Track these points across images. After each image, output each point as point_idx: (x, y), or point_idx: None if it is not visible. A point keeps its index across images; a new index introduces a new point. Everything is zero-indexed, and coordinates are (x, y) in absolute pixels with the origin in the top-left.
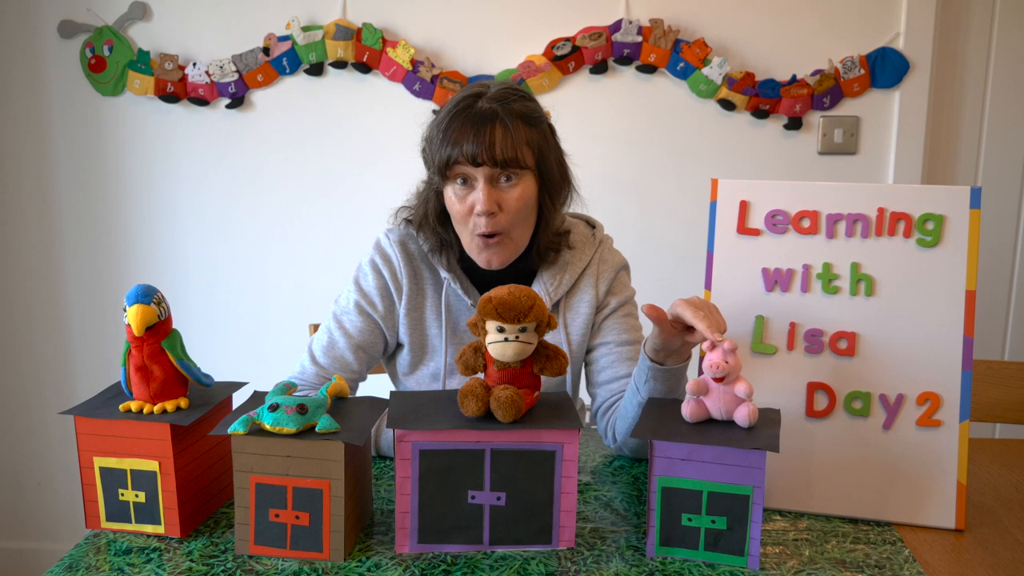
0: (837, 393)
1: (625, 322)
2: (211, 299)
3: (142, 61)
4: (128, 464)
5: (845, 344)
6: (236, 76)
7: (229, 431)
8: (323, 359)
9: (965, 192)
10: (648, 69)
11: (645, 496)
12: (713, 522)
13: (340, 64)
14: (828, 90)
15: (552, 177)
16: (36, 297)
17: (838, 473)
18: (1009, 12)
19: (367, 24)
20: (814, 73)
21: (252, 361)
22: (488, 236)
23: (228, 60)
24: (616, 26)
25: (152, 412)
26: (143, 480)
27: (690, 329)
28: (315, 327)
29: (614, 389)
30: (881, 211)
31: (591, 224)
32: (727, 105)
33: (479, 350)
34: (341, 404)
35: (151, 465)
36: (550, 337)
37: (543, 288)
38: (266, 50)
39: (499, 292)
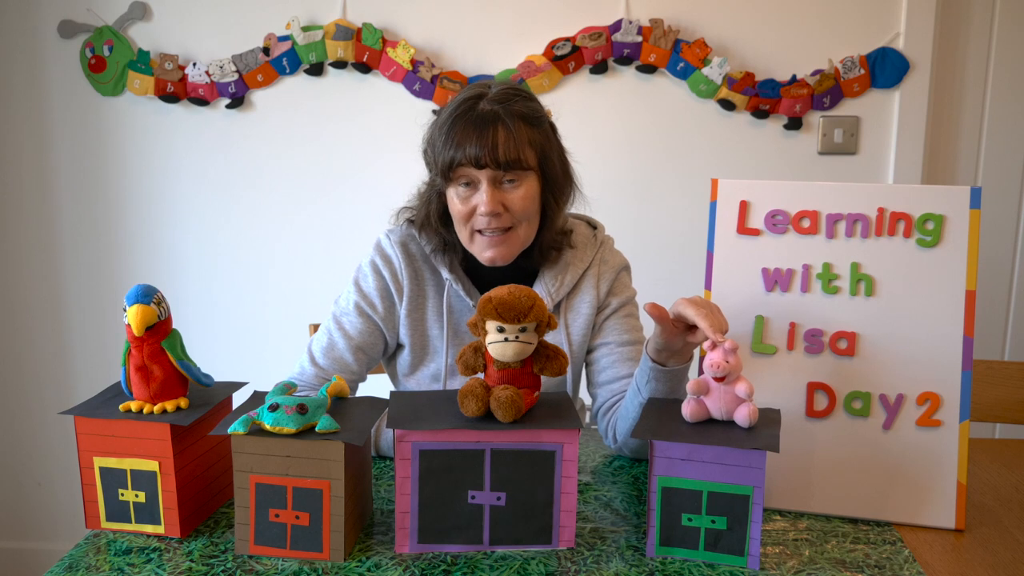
0: (837, 393)
1: (626, 322)
2: (211, 299)
3: (142, 61)
4: (128, 464)
5: (845, 344)
6: (236, 76)
7: (229, 431)
8: (322, 360)
9: (965, 192)
10: (648, 69)
11: (645, 496)
12: (713, 522)
13: (340, 64)
14: (828, 90)
15: (555, 176)
16: (36, 297)
17: (838, 473)
18: (1009, 12)
19: (367, 24)
20: (814, 73)
21: (252, 361)
22: (492, 233)
23: (228, 60)
24: (616, 26)
25: (152, 412)
26: (143, 480)
27: (692, 329)
28: (315, 327)
29: (615, 389)
30: (881, 211)
31: (592, 225)
32: (727, 105)
33: (479, 350)
34: (341, 404)
35: (151, 465)
36: (550, 337)
37: (545, 288)
38: (266, 50)
39: (499, 292)
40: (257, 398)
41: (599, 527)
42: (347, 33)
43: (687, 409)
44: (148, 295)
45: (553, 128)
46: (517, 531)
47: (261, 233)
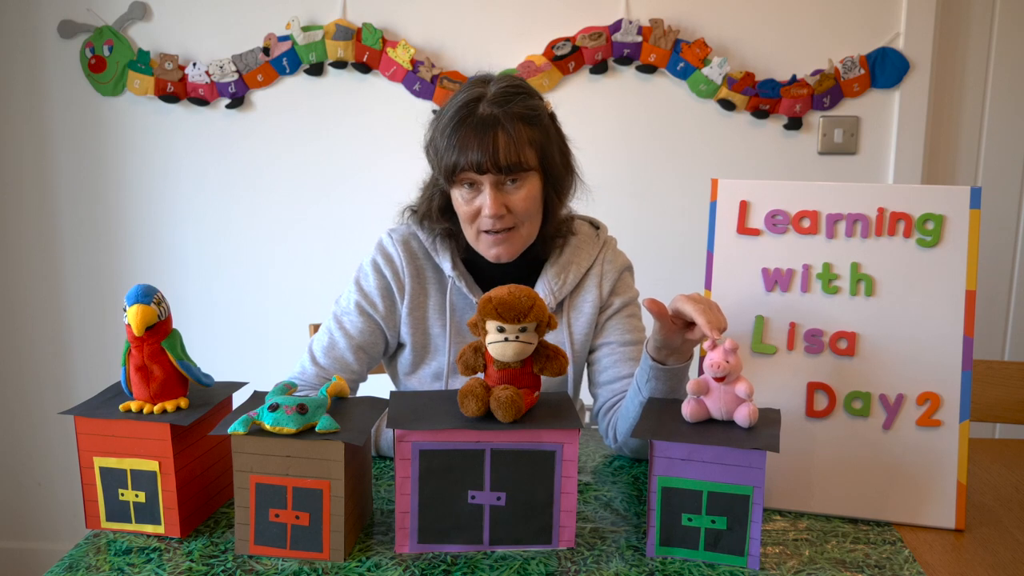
0: (837, 393)
1: (628, 322)
2: (211, 299)
3: (142, 61)
4: (128, 464)
5: (845, 344)
6: (236, 76)
7: (229, 431)
8: (323, 359)
9: (965, 192)
10: (648, 69)
11: (645, 496)
12: (713, 522)
13: (340, 64)
14: (828, 90)
15: (556, 172)
16: (36, 297)
17: (838, 473)
18: (1009, 12)
19: (367, 24)
20: (814, 73)
21: (252, 361)
22: (497, 232)
23: (228, 60)
24: (616, 26)
25: (152, 412)
26: (143, 480)
27: (690, 326)
28: (315, 327)
29: (616, 389)
30: (881, 211)
31: (595, 225)
32: (727, 105)
33: (479, 350)
34: (341, 404)
35: (151, 465)
36: (553, 338)
37: (547, 287)
38: (266, 50)
39: (499, 292)
40: (257, 398)
41: (599, 527)
42: (347, 33)
43: (687, 409)
44: (148, 295)
45: (553, 118)
46: (517, 531)
47: (261, 233)
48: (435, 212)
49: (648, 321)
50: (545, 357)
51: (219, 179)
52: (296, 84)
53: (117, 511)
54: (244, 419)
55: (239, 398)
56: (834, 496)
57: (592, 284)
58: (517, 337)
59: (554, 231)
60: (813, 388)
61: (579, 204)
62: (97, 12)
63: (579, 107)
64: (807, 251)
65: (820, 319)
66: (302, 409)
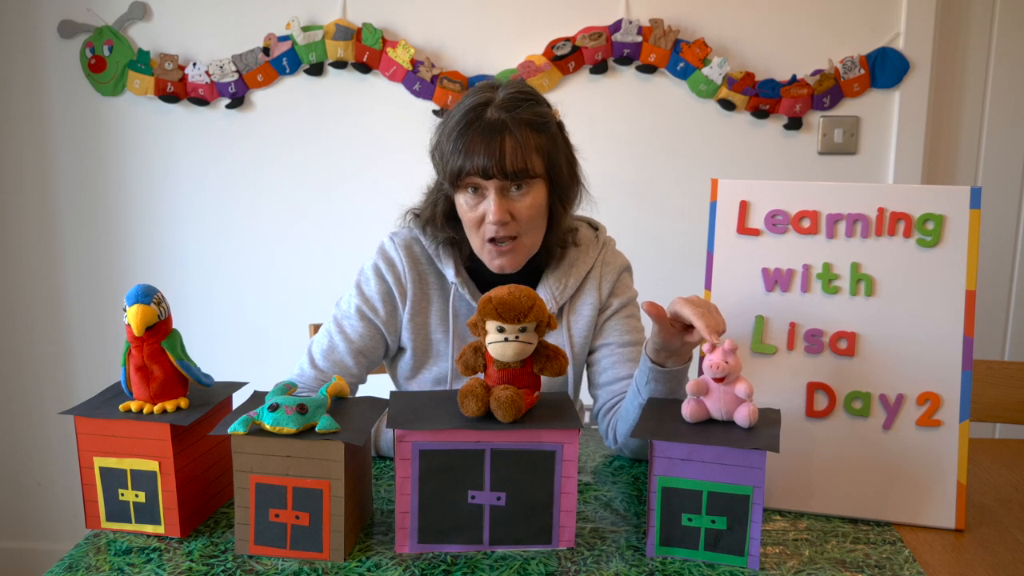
0: (837, 393)
1: (627, 323)
2: (211, 299)
3: (142, 61)
4: (128, 464)
5: (845, 344)
6: (236, 76)
7: (229, 431)
8: (322, 363)
9: (965, 192)
10: (648, 69)
11: (645, 496)
12: (713, 522)
13: (340, 64)
14: (828, 90)
15: (562, 181)
16: (36, 297)
17: (838, 473)
18: (1009, 12)
19: (367, 24)
20: (814, 73)
21: (252, 361)
22: (500, 243)
23: (228, 60)
24: (616, 26)
25: (152, 412)
26: (143, 480)
27: (689, 328)
28: (315, 327)
29: (615, 390)
30: (881, 211)
31: (594, 226)
32: (727, 105)
33: (479, 350)
34: (341, 404)
35: (151, 465)
36: (553, 339)
37: (549, 292)
38: (266, 50)
39: (499, 292)
40: (257, 398)
41: (599, 527)
42: (347, 33)
43: (687, 409)
44: (148, 295)
45: (561, 127)
46: (517, 531)
47: (261, 233)
48: (439, 217)
49: (647, 321)
50: (545, 357)
51: (219, 179)
52: (296, 84)
53: (117, 511)
54: (244, 419)
55: (239, 398)
56: (834, 496)
57: (591, 286)
58: (517, 337)
59: (557, 241)
60: (813, 388)
61: (586, 204)
62: (97, 12)
63: (579, 107)
64: (807, 251)
65: (820, 319)
66: (302, 409)
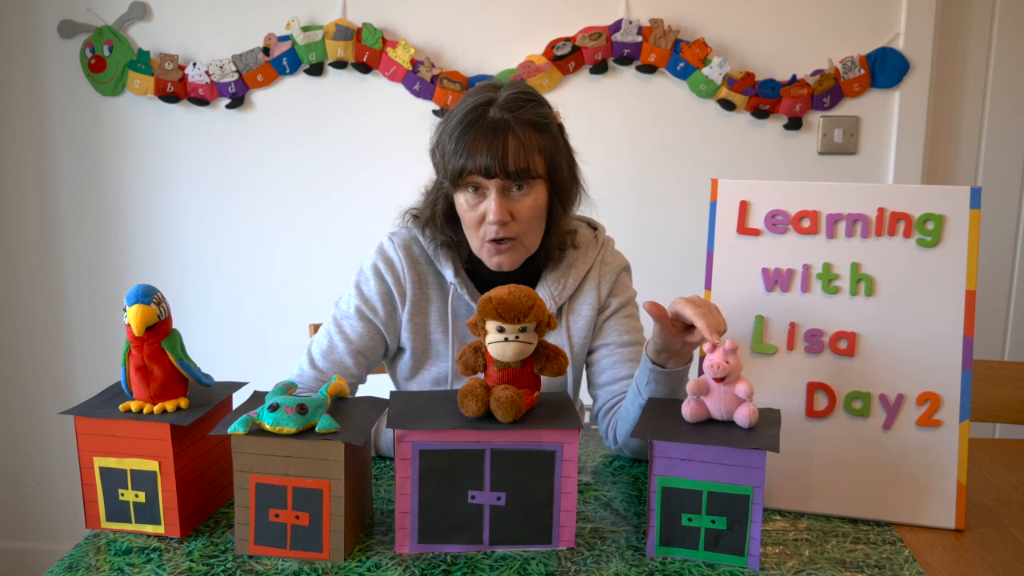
0: (837, 393)
1: (626, 323)
2: (211, 299)
3: (142, 61)
4: (128, 464)
5: (845, 344)
6: (236, 76)
7: (229, 431)
8: (322, 363)
9: (965, 192)
10: (648, 69)
11: (645, 496)
12: (713, 522)
13: (340, 64)
14: (828, 90)
15: (563, 182)
16: (36, 297)
17: (838, 473)
18: (1009, 12)
19: (367, 24)
20: (814, 73)
21: (252, 361)
22: (499, 242)
23: (228, 60)
24: (616, 26)
25: (152, 412)
26: (143, 480)
27: (690, 328)
28: (315, 327)
29: (615, 390)
30: (881, 211)
31: (593, 226)
32: (727, 105)
33: (479, 350)
34: (341, 404)
35: (151, 465)
36: (552, 340)
37: (547, 292)
38: (266, 50)
39: (499, 292)
40: (257, 398)
41: (599, 527)
42: (347, 33)
43: (687, 409)
44: (148, 295)
45: (561, 129)
46: (517, 531)
47: (261, 233)
48: (439, 217)
49: (646, 321)
50: (545, 357)
51: (219, 179)
52: (296, 84)
53: (117, 511)
54: (244, 419)
55: (239, 398)
56: (834, 496)
57: (590, 286)
58: (517, 337)
59: (557, 243)
60: (813, 388)
61: (585, 206)
62: (97, 12)
63: (579, 107)
64: (807, 251)
65: (820, 319)
66: (302, 409)
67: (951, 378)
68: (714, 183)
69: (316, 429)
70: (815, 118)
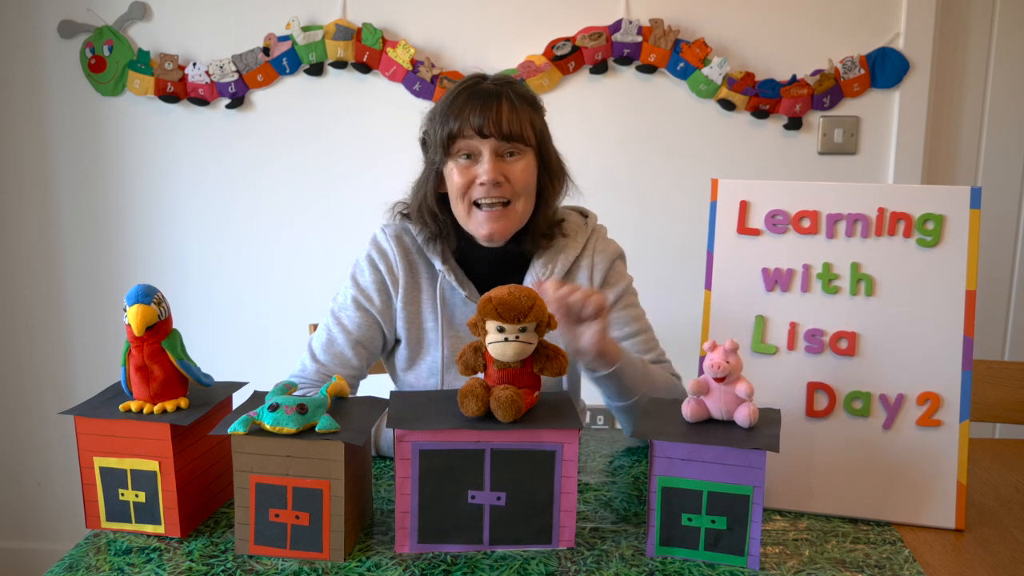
0: (837, 393)
1: (626, 314)
2: (211, 299)
3: (142, 61)
4: (128, 464)
5: (845, 344)
6: (236, 76)
7: (229, 431)
8: (323, 356)
9: (965, 192)
10: (648, 69)
11: (645, 496)
12: (713, 522)
13: (340, 64)
14: (828, 90)
15: (552, 161)
16: (36, 297)
17: (838, 473)
18: (1009, 12)
19: (367, 24)
20: (814, 73)
21: (252, 361)
22: (491, 206)
23: (228, 60)
24: (616, 26)
25: (152, 412)
26: (143, 480)
27: (578, 320)
28: (315, 327)
29: None
30: (881, 211)
31: (584, 214)
32: (727, 105)
33: (479, 350)
34: (341, 404)
35: (151, 465)
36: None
37: (535, 277)
38: (266, 50)
39: (499, 292)
40: (257, 398)
41: (599, 527)
42: (347, 33)
43: (687, 409)
44: (148, 295)
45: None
46: (517, 531)
47: (261, 233)
48: (430, 198)
49: (647, 306)
50: (545, 357)
51: (219, 179)
52: (296, 84)
53: (117, 511)
54: (244, 419)
55: (239, 398)
56: (834, 496)
57: (583, 275)
58: (517, 337)
59: (544, 227)
60: (813, 388)
61: (573, 197)
62: (97, 12)
63: (579, 107)
64: (807, 251)
65: (820, 319)
66: (302, 409)
67: (951, 378)
68: (714, 183)
69: (316, 429)
70: (815, 118)
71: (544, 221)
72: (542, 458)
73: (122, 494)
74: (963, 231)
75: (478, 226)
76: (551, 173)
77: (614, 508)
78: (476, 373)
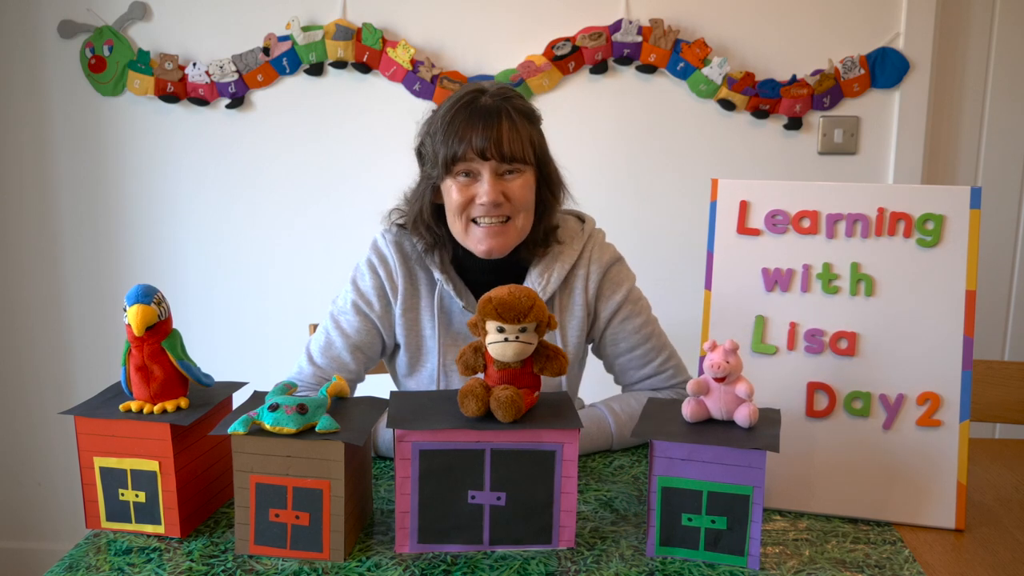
0: (837, 393)
1: (629, 324)
2: (211, 299)
3: (142, 61)
4: (128, 464)
5: (845, 344)
6: (236, 76)
7: (229, 431)
8: (320, 359)
9: (965, 192)
10: (648, 69)
11: (645, 496)
12: (713, 522)
13: (340, 64)
14: (828, 90)
15: (551, 174)
16: (36, 297)
17: (838, 473)
18: (1009, 12)
19: (367, 24)
20: (814, 73)
21: (252, 361)
22: (491, 222)
23: (228, 60)
24: (616, 26)
25: (152, 412)
26: (143, 480)
27: None
28: (315, 327)
29: (644, 387)
30: (881, 211)
31: (581, 218)
32: (727, 105)
33: (479, 350)
34: (341, 404)
35: (151, 465)
36: (548, 337)
37: (532, 285)
38: (266, 50)
39: (499, 292)
40: (257, 398)
41: (599, 527)
42: (347, 33)
43: (687, 409)
44: (148, 295)
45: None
46: (517, 531)
47: (261, 233)
48: (427, 213)
49: (652, 300)
50: (545, 357)
51: (219, 179)
52: (296, 84)
53: (117, 511)
54: (244, 419)
55: (239, 398)
56: (834, 496)
57: (579, 286)
58: (517, 337)
59: (543, 237)
60: (813, 388)
61: (570, 205)
62: (97, 12)
63: (579, 107)
64: (807, 251)
65: (820, 319)
66: (302, 409)
67: (951, 378)
68: (714, 183)
69: (316, 429)
70: (815, 118)
71: (542, 234)
72: (542, 458)
73: (122, 494)
74: (963, 231)
75: (476, 242)
76: (550, 186)
77: (614, 508)
78: (476, 373)
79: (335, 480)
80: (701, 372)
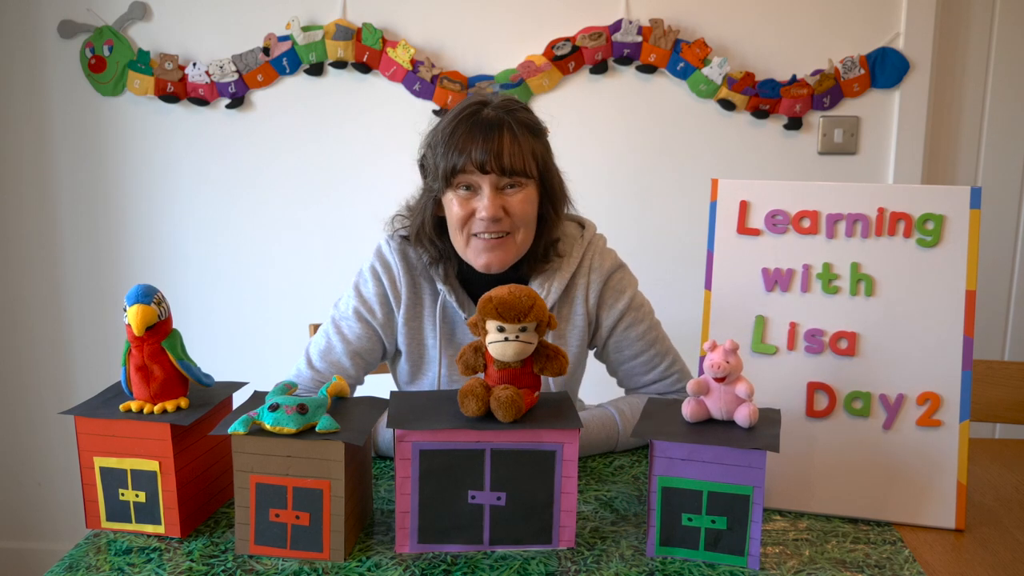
0: (837, 393)
1: (632, 332)
2: (211, 299)
3: (142, 61)
4: (128, 464)
5: (845, 344)
6: (236, 76)
7: (229, 431)
8: (319, 363)
9: (965, 192)
10: (648, 69)
11: (645, 496)
12: (713, 522)
13: (340, 64)
14: (828, 90)
15: (554, 187)
16: (36, 297)
17: (838, 473)
18: (1009, 12)
19: (367, 24)
20: (814, 73)
21: (252, 361)
22: (491, 236)
23: (228, 60)
24: (616, 26)
25: (152, 412)
26: (143, 480)
27: None
28: (315, 327)
29: (651, 391)
30: (881, 211)
31: (581, 224)
32: (727, 105)
33: (479, 350)
34: (341, 404)
35: (151, 465)
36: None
37: None
38: (266, 50)
39: (499, 292)
40: (257, 398)
41: (599, 527)
42: (347, 33)
43: (687, 409)
44: (148, 295)
45: (548, 145)
46: (517, 531)
47: (261, 233)
48: (428, 227)
49: (652, 300)
50: (545, 357)
51: (219, 179)
52: (296, 84)
53: (117, 511)
54: (244, 419)
55: (239, 398)
56: (834, 496)
57: (579, 295)
58: (517, 337)
59: (543, 251)
60: (813, 388)
61: (579, 203)
62: (97, 12)
63: (579, 107)
64: (807, 251)
65: (820, 319)
66: (302, 409)
67: (951, 378)
68: (714, 183)
69: (316, 429)
70: (815, 118)
71: (542, 248)
72: (542, 458)
73: (122, 494)
74: (963, 231)
75: (476, 256)
76: (553, 200)
77: (614, 508)
78: (476, 373)
79: (335, 480)
80: (701, 372)
